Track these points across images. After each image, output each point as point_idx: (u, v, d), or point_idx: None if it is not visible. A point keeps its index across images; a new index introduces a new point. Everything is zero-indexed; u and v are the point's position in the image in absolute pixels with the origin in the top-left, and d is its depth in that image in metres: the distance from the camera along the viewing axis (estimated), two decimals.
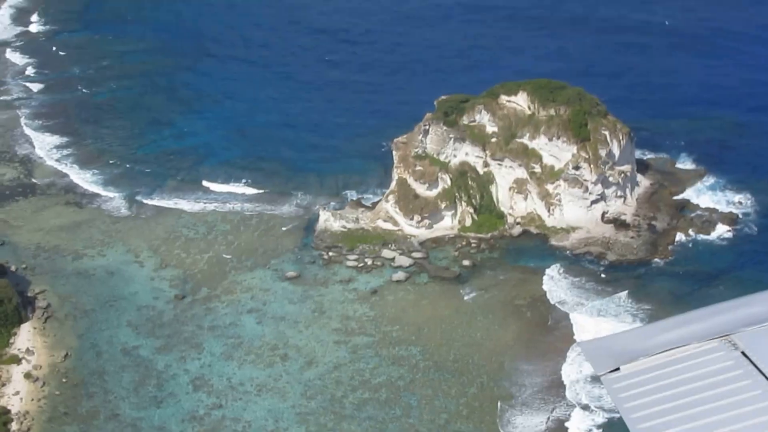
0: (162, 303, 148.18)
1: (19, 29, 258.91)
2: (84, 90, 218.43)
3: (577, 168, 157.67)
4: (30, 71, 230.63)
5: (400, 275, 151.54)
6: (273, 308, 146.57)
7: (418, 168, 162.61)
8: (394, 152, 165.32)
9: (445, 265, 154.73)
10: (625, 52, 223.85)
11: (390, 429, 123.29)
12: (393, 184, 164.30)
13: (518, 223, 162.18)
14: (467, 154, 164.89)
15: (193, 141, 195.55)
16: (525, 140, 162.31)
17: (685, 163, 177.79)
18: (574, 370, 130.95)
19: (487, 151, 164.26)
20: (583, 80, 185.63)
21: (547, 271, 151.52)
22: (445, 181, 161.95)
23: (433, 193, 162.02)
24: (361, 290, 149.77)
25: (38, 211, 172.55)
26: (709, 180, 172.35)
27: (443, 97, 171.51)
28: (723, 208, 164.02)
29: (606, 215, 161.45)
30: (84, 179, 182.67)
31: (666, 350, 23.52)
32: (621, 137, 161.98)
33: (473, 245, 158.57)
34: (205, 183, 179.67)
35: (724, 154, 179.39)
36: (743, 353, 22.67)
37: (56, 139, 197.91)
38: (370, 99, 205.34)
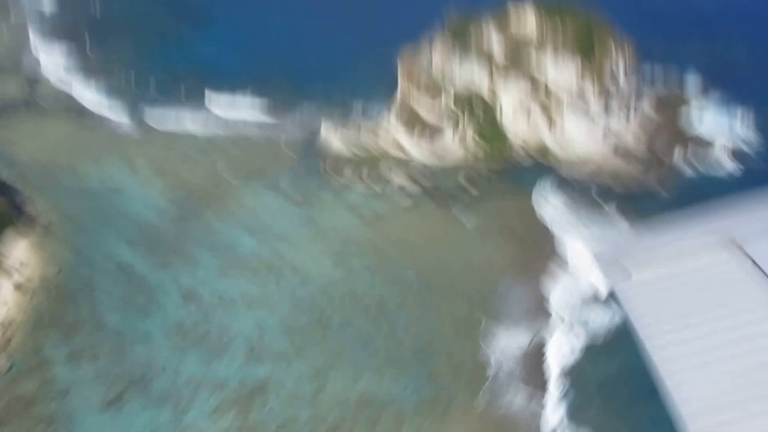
0: (161, 220, 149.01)
1: None
2: (97, 4, 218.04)
3: (581, 87, 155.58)
4: None
5: (403, 199, 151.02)
6: (273, 228, 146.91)
7: (423, 84, 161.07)
8: (399, 69, 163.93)
9: (450, 189, 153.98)
10: None
11: (375, 344, 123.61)
12: (397, 103, 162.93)
13: (523, 148, 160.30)
14: (473, 71, 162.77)
15: (201, 57, 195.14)
16: (531, 57, 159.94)
17: (691, 85, 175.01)
18: (564, 293, 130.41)
19: (494, 68, 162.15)
20: None
21: (551, 198, 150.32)
22: (449, 96, 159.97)
23: (438, 114, 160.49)
24: (363, 213, 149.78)
25: (41, 127, 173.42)
26: (715, 105, 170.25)
27: (452, 12, 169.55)
28: (726, 136, 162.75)
29: (611, 140, 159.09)
30: (89, 96, 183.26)
31: (676, 257, 23.83)
32: (627, 55, 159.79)
33: (478, 170, 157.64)
34: (211, 100, 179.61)
35: (731, 78, 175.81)
36: (753, 261, 22.83)
37: (64, 56, 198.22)
38: (383, 12, 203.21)
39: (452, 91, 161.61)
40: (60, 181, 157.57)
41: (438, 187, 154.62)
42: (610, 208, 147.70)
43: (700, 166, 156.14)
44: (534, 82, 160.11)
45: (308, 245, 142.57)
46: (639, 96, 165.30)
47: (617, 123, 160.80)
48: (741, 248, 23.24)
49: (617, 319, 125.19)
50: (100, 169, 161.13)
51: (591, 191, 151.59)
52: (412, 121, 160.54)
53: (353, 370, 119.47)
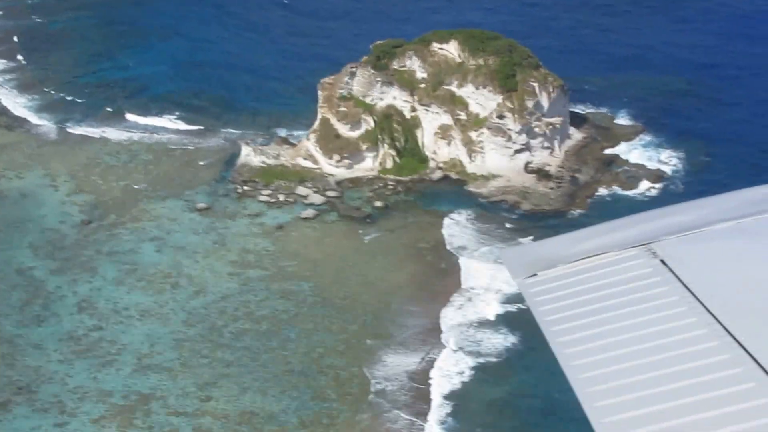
0: (67, 227, 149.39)
1: None
2: (38, 19, 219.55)
3: (501, 117, 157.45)
4: None
5: (309, 212, 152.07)
6: (176, 238, 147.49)
7: (342, 108, 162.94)
8: (319, 92, 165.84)
9: (357, 205, 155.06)
10: (582, 10, 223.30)
11: (263, 359, 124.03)
12: (316, 124, 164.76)
13: (440, 168, 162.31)
14: (395, 98, 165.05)
15: (133, 73, 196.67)
16: (453, 87, 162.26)
17: (625, 119, 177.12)
18: (456, 314, 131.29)
19: (415, 96, 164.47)
20: (535, 35, 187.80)
21: (456, 216, 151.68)
22: (368, 122, 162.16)
23: (356, 134, 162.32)
24: (267, 225, 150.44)
25: None
26: (646, 137, 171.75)
27: (379, 42, 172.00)
28: (652, 165, 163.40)
29: (529, 165, 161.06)
30: (18, 104, 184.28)
31: (585, 257, 23.52)
32: (551, 89, 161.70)
33: (390, 187, 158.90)
34: (135, 114, 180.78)
35: (665, 114, 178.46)
36: (662, 261, 22.74)
37: (1, 64, 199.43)
38: (317, 43, 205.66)
39: (372, 115, 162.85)
40: None
41: (346, 202, 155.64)
42: (517, 227, 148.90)
43: (619, 189, 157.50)
44: (455, 109, 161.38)
45: (207, 256, 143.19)
46: (566, 128, 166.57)
47: (540, 151, 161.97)
48: (650, 248, 23.16)
49: (509, 344, 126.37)
50: (18, 175, 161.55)
51: (501, 210, 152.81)
52: (331, 141, 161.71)
53: (239, 385, 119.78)
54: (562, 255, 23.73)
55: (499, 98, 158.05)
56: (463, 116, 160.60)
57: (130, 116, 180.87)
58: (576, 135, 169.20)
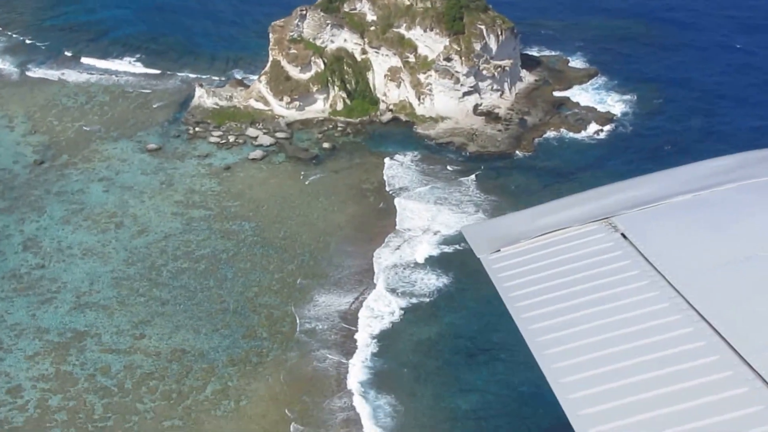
0: (19, 167, 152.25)
1: None
2: None
3: (448, 60, 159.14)
4: None
5: (257, 153, 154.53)
6: (124, 178, 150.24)
7: (292, 51, 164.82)
8: (270, 35, 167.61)
9: (305, 146, 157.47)
10: None
11: (198, 298, 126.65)
12: (267, 66, 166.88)
13: (390, 110, 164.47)
14: (345, 40, 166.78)
15: (97, 17, 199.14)
16: (402, 30, 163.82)
17: (579, 63, 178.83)
18: (392, 255, 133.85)
19: (365, 39, 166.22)
20: None
21: (401, 157, 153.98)
22: (318, 65, 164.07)
23: (306, 76, 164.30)
24: (215, 165, 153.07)
25: None
26: (599, 81, 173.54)
27: None
28: (603, 108, 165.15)
29: (479, 108, 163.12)
30: None
31: (547, 233, 24.02)
32: (500, 32, 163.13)
33: (339, 129, 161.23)
34: (95, 57, 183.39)
35: (620, 58, 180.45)
36: (623, 235, 23.22)
37: None
38: None
39: (322, 57, 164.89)
40: None
41: (295, 143, 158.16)
42: (461, 168, 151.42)
43: (567, 131, 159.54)
44: (404, 52, 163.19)
45: (153, 196, 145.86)
46: (516, 70, 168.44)
47: (489, 93, 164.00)
48: (612, 223, 23.66)
49: (441, 284, 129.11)
50: None
51: (447, 152, 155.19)
52: (282, 83, 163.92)
53: (173, 323, 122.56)
54: (525, 230, 24.49)
55: (446, 41, 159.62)
56: (411, 59, 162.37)
57: (89, 59, 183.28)
58: (528, 78, 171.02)
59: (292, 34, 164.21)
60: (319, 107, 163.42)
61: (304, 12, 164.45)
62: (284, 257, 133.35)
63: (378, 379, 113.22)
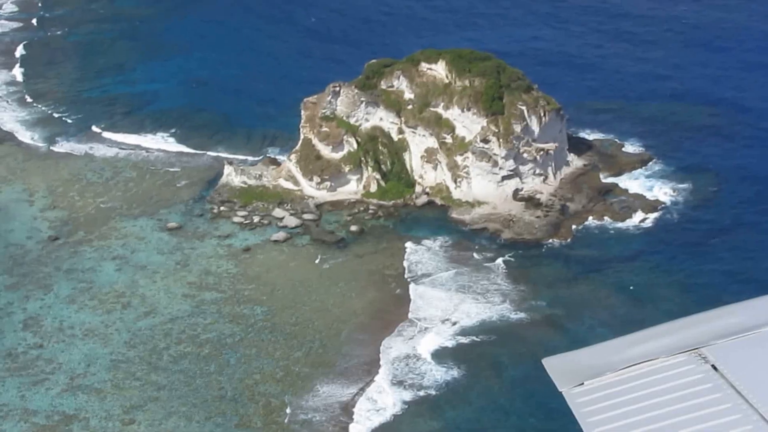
0: (33, 243, 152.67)
1: None
2: (58, 31, 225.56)
3: (485, 141, 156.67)
4: (11, 8, 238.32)
5: (280, 235, 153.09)
6: (139, 257, 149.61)
7: (324, 129, 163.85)
8: (302, 112, 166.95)
9: (332, 228, 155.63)
10: (610, 36, 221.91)
11: (196, 383, 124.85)
12: (298, 144, 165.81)
13: (426, 193, 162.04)
14: (381, 119, 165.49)
15: (138, 89, 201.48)
16: (439, 109, 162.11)
17: (634, 147, 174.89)
18: (405, 345, 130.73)
19: (402, 118, 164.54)
20: (556, 58, 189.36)
21: (430, 243, 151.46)
22: (351, 144, 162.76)
23: (338, 155, 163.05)
24: (234, 247, 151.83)
25: None
26: (652, 167, 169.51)
27: (372, 61, 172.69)
28: (651, 195, 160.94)
29: (519, 192, 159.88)
30: (14, 117, 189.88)
31: (633, 365, 23.75)
32: (543, 113, 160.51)
33: (370, 211, 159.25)
34: (128, 131, 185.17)
35: (680, 144, 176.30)
36: (713, 366, 22.73)
37: (8, 76, 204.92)
38: (326, 66, 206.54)
39: (355, 136, 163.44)
40: None
41: (322, 225, 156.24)
42: (492, 255, 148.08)
43: (610, 220, 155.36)
44: (440, 132, 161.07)
45: (166, 276, 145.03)
46: (563, 154, 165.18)
47: (531, 177, 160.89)
48: (701, 354, 23.07)
49: (450, 377, 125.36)
50: None
51: (481, 239, 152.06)
52: (312, 162, 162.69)
53: (166, 409, 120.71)
54: (609, 362, 23.77)
55: (484, 121, 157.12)
56: (449, 139, 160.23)
57: (121, 134, 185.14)
58: (576, 162, 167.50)
59: (324, 111, 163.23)
60: (351, 188, 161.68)
61: (338, 88, 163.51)
62: (292, 344, 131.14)
63: None
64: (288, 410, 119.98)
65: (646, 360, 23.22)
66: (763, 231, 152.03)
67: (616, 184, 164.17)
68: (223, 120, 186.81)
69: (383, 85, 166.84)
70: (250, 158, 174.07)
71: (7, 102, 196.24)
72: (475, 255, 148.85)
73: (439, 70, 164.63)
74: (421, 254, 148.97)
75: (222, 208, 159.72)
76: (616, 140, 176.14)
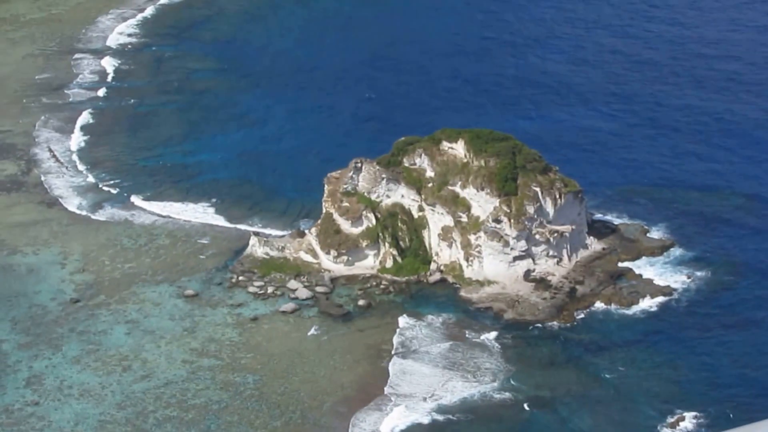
0: (54, 304, 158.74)
1: (120, 40, 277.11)
2: (130, 101, 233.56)
3: (497, 221, 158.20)
4: (90, 77, 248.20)
5: (289, 306, 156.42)
6: (150, 322, 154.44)
7: (344, 204, 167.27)
8: (325, 186, 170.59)
9: (342, 302, 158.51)
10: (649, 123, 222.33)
11: None
12: (320, 218, 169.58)
13: (440, 271, 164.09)
14: (402, 196, 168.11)
15: (193, 159, 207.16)
16: (457, 188, 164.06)
17: (658, 233, 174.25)
18: (376, 420, 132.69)
19: (422, 195, 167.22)
20: (591, 141, 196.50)
21: (432, 319, 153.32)
22: (369, 219, 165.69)
23: (357, 230, 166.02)
24: (243, 316, 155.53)
25: (9, 207, 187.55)
26: (673, 254, 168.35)
27: (402, 138, 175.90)
28: (664, 282, 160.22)
29: (531, 274, 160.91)
30: (69, 183, 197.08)
31: None
32: (558, 195, 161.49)
33: (382, 287, 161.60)
34: (171, 200, 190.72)
35: (706, 233, 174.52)
36: None
37: (70, 144, 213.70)
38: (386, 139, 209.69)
39: (375, 212, 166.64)
40: None
41: (333, 298, 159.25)
42: (489, 335, 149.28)
43: (616, 305, 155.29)
44: (456, 211, 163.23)
45: (171, 342, 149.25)
46: (581, 237, 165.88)
47: (545, 259, 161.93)
48: None
49: None
50: (34, 251, 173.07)
51: (483, 318, 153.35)
52: (331, 236, 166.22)
53: None
54: None
55: (497, 201, 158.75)
56: (464, 218, 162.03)
57: (166, 201, 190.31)
58: (595, 245, 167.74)
59: (346, 186, 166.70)
60: (368, 263, 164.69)
61: (360, 164, 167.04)
62: (274, 413, 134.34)
63: None
64: None
65: None
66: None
67: (631, 269, 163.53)
68: (266, 192, 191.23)
69: (406, 163, 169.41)
70: (279, 231, 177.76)
71: (65, 168, 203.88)
72: (473, 333, 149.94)
73: (458, 149, 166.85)
74: (418, 330, 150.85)
75: (241, 278, 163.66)
76: (643, 225, 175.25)
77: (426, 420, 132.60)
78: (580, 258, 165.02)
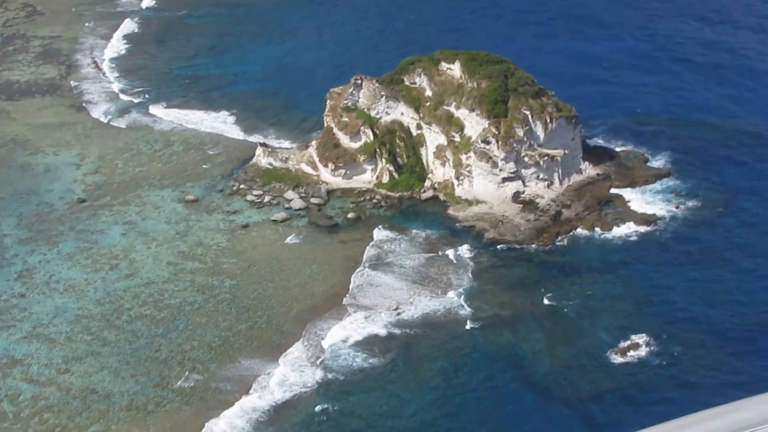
0: (62, 203, 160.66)
1: None
2: (179, 12, 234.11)
3: (486, 142, 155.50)
4: None
5: (280, 215, 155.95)
6: (146, 224, 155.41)
7: (344, 119, 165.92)
8: (327, 101, 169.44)
9: (333, 214, 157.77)
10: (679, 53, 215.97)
11: (139, 343, 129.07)
12: (322, 133, 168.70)
13: (434, 189, 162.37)
14: (402, 114, 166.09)
15: (225, 70, 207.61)
16: (451, 108, 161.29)
17: (659, 162, 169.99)
18: (342, 330, 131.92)
19: (420, 114, 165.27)
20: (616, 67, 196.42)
21: (415, 233, 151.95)
22: (367, 135, 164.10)
23: (355, 145, 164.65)
24: (235, 222, 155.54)
25: (41, 109, 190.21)
26: (667, 183, 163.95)
27: (408, 58, 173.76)
28: (651, 209, 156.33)
29: (521, 196, 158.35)
30: (101, 88, 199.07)
31: None
32: (549, 120, 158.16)
33: (374, 201, 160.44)
34: (194, 108, 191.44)
35: (707, 163, 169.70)
36: None
37: (111, 52, 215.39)
38: None
39: (373, 128, 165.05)
40: (14, 157, 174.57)
41: (324, 210, 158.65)
42: (465, 253, 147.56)
43: (599, 230, 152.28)
44: (450, 130, 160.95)
45: (162, 244, 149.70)
46: (575, 161, 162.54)
47: (535, 182, 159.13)
48: None
49: (366, 365, 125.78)
50: (54, 152, 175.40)
51: (464, 236, 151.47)
52: (330, 150, 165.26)
53: (101, 363, 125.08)
54: None
55: (486, 123, 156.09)
56: (457, 138, 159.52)
57: (189, 110, 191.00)
58: (589, 171, 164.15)
59: (346, 102, 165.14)
60: (366, 178, 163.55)
61: (360, 81, 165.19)
62: (242, 317, 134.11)
63: None
64: (204, 376, 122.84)
65: None
66: (750, 257, 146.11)
67: (621, 196, 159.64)
68: (286, 105, 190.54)
69: (407, 81, 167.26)
70: (290, 143, 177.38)
71: (102, 74, 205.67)
72: (451, 251, 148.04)
73: (455, 70, 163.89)
74: (397, 244, 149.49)
75: (242, 186, 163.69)
76: (644, 153, 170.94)
77: (383, 332, 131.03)
78: (572, 182, 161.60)
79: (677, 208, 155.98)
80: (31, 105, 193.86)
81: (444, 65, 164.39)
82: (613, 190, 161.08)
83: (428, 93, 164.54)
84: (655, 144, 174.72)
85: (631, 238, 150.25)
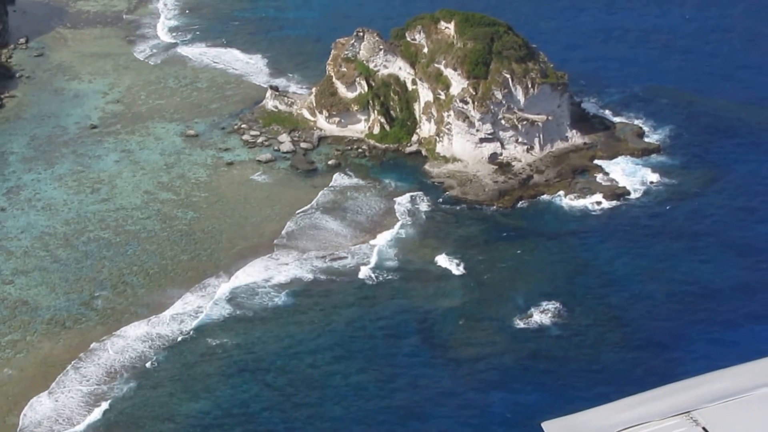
0: (76, 127, 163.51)
1: None
2: None
3: (464, 102, 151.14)
4: None
5: (265, 156, 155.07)
6: (142, 154, 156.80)
7: (343, 69, 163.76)
8: (332, 50, 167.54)
9: (316, 159, 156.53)
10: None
11: (85, 263, 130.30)
12: (322, 81, 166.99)
13: (419, 143, 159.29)
14: (400, 68, 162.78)
15: (286, 15, 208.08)
16: (441, 66, 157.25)
17: (653, 136, 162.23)
18: (268, 270, 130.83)
19: (415, 70, 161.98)
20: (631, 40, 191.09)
21: (383, 184, 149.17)
22: (362, 86, 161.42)
23: (351, 95, 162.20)
24: (222, 159, 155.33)
25: (97, 39, 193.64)
26: (653, 158, 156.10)
27: (418, 15, 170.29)
28: (624, 182, 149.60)
29: (498, 157, 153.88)
30: (159, 24, 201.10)
31: (626, 428, 23.85)
32: (531, 84, 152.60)
33: (359, 151, 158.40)
34: (234, 47, 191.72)
35: (702, 142, 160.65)
36: (704, 429, 23.06)
37: None
38: None
39: (369, 80, 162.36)
40: (52, 81, 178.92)
41: (309, 155, 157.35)
42: (424, 207, 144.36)
43: (563, 197, 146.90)
44: (437, 88, 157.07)
45: (146, 174, 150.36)
46: (560, 128, 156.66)
47: (514, 145, 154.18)
48: (693, 417, 22.97)
49: (282, 303, 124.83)
50: (90, 80, 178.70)
51: (429, 192, 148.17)
52: (326, 97, 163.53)
53: (43, 278, 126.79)
54: (604, 426, 23.92)
55: (466, 83, 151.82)
56: (442, 96, 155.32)
57: (228, 49, 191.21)
58: (576, 139, 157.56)
59: (347, 53, 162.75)
60: (359, 128, 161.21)
61: (362, 33, 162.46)
62: (188, 249, 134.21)
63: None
64: (127, 301, 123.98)
65: (640, 423, 22.80)
66: (706, 237, 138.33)
67: (600, 166, 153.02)
68: (325, 52, 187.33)
69: (408, 37, 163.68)
70: (306, 89, 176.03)
71: (167, 10, 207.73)
72: (409, 204, 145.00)
73: (451, 29, 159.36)
74: (364, 192, 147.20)
75: (243, 125, 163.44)
76: (640, 127, 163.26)
77: (309, 276, 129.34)
78: (554, 149, 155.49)
79: (652, 184, 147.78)
80: (90, 34, 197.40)
81: (443, 24, 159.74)
82: (596, 161, 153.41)
83: (425, 50, 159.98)
84: (660, 118, 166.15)
85: (594, 210, 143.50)
